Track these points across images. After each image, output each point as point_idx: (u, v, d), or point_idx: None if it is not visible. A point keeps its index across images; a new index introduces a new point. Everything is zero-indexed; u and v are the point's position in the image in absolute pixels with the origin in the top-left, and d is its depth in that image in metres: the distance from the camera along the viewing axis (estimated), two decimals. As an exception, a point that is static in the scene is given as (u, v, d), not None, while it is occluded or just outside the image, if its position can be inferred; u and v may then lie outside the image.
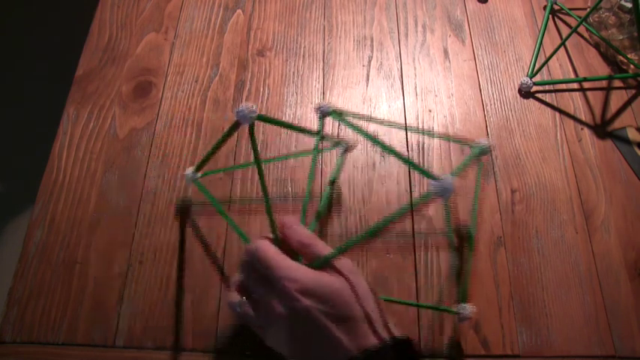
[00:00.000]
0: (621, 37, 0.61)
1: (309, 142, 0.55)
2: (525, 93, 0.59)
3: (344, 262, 0.36)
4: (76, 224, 0.49)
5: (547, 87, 0.59)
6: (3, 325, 0.44)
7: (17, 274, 0.46)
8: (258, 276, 0.35)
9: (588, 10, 0.57)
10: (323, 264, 0.35)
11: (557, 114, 0.58)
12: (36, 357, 0.43)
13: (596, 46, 0.63)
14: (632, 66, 0.60)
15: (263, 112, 0.56)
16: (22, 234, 0.48)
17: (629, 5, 0.61)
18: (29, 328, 0.44)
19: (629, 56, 0.59)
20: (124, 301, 0.45)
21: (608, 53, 0.62)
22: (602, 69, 0.61)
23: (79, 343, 0.43)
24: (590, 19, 0.64)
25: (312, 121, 0.56)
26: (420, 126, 0.56)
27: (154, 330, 0.44)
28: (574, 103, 0.59)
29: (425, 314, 0.46)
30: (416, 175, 0.53)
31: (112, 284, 0.46)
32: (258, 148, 0.54)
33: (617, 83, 0.60)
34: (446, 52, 0.62)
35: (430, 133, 0.55)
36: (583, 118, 0.58)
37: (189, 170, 0.48)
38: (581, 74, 0.61)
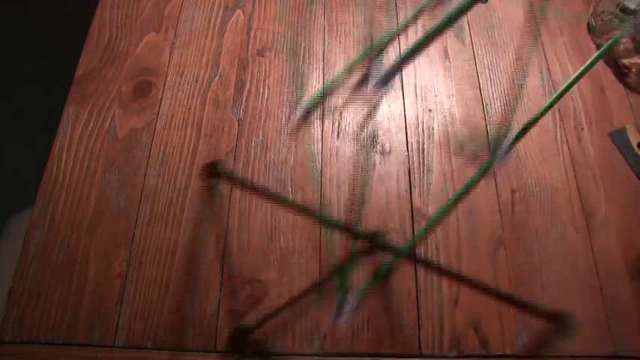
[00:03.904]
0: (624, 40, 0.61)
1: (309, 141, 0.54)
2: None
3: None
4: (76, 224, 0.49)
5: (547, 87, 0.59)
6: (3, 325, 0.44)
7: (17, 274, 0.46)
8: None
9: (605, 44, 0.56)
10: None
11: (558, 114, 0.58)
12: (36, 357, 0.43)
13: (598, 48, 0.63)
14: (633, 69, 0.60)
15: (263, 112, 0.56)
16: (22, 234, 0.48)
17: (632, 7, 0.61)
18: (29, 328, 0.44)
19: (632, 60, 0.59)
20: (123, 301, 0.45)
21: (609, 55, 0.62)
22: (604, 71, 0.61)
23: (78, 343, 0.43)
24: (593, 22, 0.64)
25: (312, 122, 0.56)
26: (420, 126, 0.56)
27: (154, 330, 0.44)
28: (574, 103, 0.59)
29: (425, 314, 0.46)
30: (416, 174, 0.53)
31: (111, 284, 0.46)
32: (258, 148, 0.54)
33: (616, 83, 0.60)
34: (446, 52, 0.62)
35: None
36: (583, 118, 0.58)
37: None
38: (582, 76, 0.61)
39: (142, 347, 0.44)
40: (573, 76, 0.48)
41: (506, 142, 0.44)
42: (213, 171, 0.52)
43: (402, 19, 0.62)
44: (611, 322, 0.46)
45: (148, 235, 0.49)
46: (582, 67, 0.40)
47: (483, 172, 0.47)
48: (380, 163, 0.54)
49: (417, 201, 0.52)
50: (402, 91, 0.59)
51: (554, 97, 0.49)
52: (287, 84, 0.58)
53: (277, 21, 0.63)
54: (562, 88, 0.47)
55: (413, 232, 0.50)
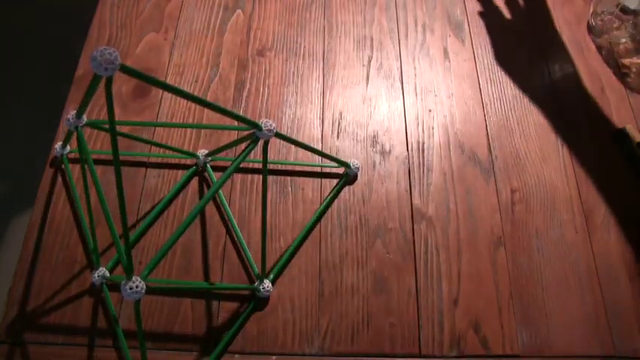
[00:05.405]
0: (624, 40, 0.61)
1: (308, 141, 0.54)
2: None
3: None
4: (75, 225, 0.49)
5: (546, 86, 0.59)
6: (3, 325, 0.44)
7: (17, 274, 0.46)
8: None
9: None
10: None
11: (557, 114, 0.58)
12: (36, 357, 0.43)
13: (598, 48, 0.63)
14: (633, 69, 0.60)
15: (262, 112, 0.56)
16: (21, 234, 0.48)
17: (632, 7, 0.61)
18: (29, 328, 0.44)
19: (632, 60, 0.59)
20: (124, 301, 0.45)
21: (609, 55, 0.62)
22: (603, 70, 0.61)
23: (79, 343, 0.43)
24: (593, 22, 0.64)
25: (312, 122, 0.56)
26: (420, 126, 0.56)
27: (154, 330, 0.44)
28: (574, 103, 0.59)
29: (425, 314, 0.46)
30: (416, 174, 0.53)
31: (112, 284, 0.46)
32: (258, 148, 0.54)
33: (616, 83, 0.60)
34: (446, 52, 0.62)
35: None
36: (583, 118, 0.58)
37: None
38: (582, 75, 0.61)
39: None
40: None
41: (269, 276, 0.47)
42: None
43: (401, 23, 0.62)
44: (611, 322, 0.46)
45: (147, 235, 0.49)
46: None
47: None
48: (380, 163, 0.54)
49: (416, 201, 0.52)
50: (402, 91, 0.59)
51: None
52: (287, 84, 0.58)
53: (277, 21, 0.63)
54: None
55: (413, 232, 0.50)
